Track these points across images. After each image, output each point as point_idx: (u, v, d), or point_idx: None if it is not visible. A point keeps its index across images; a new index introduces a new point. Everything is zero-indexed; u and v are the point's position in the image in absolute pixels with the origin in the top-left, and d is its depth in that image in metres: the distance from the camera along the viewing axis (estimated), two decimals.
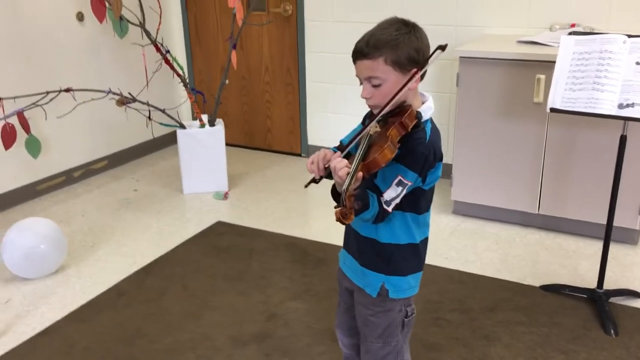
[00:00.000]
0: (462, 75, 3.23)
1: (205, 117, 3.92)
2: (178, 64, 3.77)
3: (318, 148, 4.70)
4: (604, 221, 3.00)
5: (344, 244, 1.77)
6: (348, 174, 1.39)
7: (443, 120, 3.92)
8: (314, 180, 1.55)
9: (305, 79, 4.42)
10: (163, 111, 3.79)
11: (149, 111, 3.72)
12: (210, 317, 2.59)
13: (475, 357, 2.29)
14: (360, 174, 1.40)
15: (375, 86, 1.51)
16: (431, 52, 1.52)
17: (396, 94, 1.49)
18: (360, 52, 1.51)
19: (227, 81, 3.92)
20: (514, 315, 2.54)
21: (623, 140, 2.42)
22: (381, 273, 1.63)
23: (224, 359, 2.32)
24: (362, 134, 1.52)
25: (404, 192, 1.50)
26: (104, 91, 3.53)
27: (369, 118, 1.65)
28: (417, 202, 1.59)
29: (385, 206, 1.50)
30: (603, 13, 3.38)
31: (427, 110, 1.59)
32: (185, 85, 3.82)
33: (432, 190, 1.64)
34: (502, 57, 3.12)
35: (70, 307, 2.68)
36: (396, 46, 1.47)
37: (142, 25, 3.60)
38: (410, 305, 1.71)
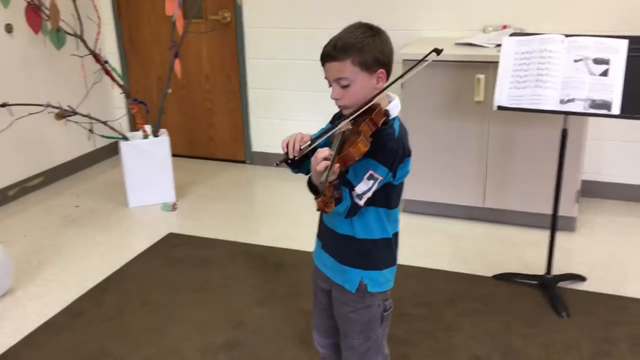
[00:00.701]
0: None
1: (148, 128, 3.84)
2: (118, 74, 3.68)
3: (263, 155, 4.74)
4: (545, 211, 3.20)
5: (320, 245, 1.79)
6: (326, 167, 1.43)
7: None
8: (287, 160, 1.59)
9: (247, 86, 4.42)
10: (105, 123, 3.69)
11: (91, 124, 3.61)
12: (176, 330, 2.55)
13: (443, 347, 2.37)
14: (337, 165, 1.45)
15: (344, 87, 1.56)
16: (427, 53, 1.58)
17: (380, 92, 1.55)
18: (329, 55, 1.55)
19: (169, 90, 3.87)
20: (473, 305, 2.65)
21: (565, 133, 2.58)
22: (359, 268, 1.68)
23: None
24: (334, 131, 1.57)
25: (375, 186, 1.56)
26: (42, 105, 3.40)
27: (337, 118, 1.70)
28: (388, 198, 1.65)
29: (357, 200, 1.55)
30: (532, 15, 3.57)
31: (394, 109, 1.65)
32: (127, 95, 3.73)
33: (401, 185, 1.70)
34: (443, 59, 3.22)
35: (24, 331, 2.57)
36: (362, 48, 1.53)
37: (80, 35, 3.50)
38: (387, 299, 1.76)
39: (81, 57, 3.52)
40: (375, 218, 1.65)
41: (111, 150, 4.59)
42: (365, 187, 1.54)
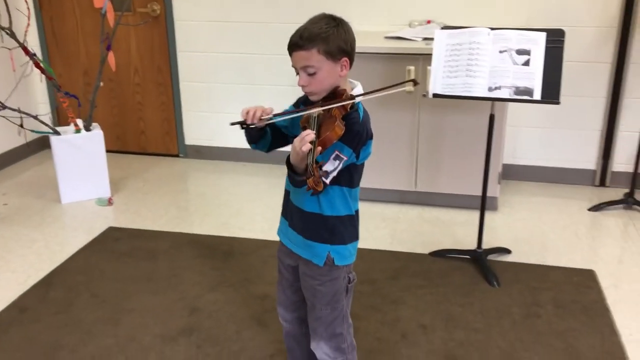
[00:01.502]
0: None
1: (80, 122, 3.77)
2: (48, 67, 3.60)
3: (197, 148, 4.74)
4: (471, 192, 3.46)
5: (287, 223, 1.88)
6: (310, 149, 1.53)
7: None
8: (242, 124, 1.71)
9: (179, 79, 4.42)
10: (35, 117, 3.59)
11: (21, 118, 3.51)
12: (130, 319, 2.57)
13: (391, 319, 2.55)
14: (319, 148, 1.56)
15: (310, 74, 1.67)
16: (403, 81, 1.72)
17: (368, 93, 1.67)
18: (296, 45, 1.66)
19: (101, 83, 3.82)
20: (413, 280, 2.84)
21: (492, 118, 2.82)
22: (326, 243, 1.79)
23: (156, 356, 2.34)
24: (302, 113, 1.68)
25: (340, 166, 1.67)
26: None
27: (303, 103, 1.81)
28: (351, 177, 1.78)
29: (323, 178, 1.67)
30: (453, 11, 3.82)
31: (357, 93, 1.78)
32: (58, 89, 3.65)
33: (363, 165, 1.84)
34: (376, 52, 3.42)
35: None
36: (327, 38, 1.64)
37: (9, 28, 3.39)
38: (351, 272, 1.89)
39: (10, 49, 3.40)
40: (340, 196, 1.77)
41: (39, 146, 4.45)
42: (331, 167, 1.65)
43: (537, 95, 2.61)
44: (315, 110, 1.66)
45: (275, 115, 1.70)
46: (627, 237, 3.29)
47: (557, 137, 3.95)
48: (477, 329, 2.48)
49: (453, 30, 2.75)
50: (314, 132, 1.59)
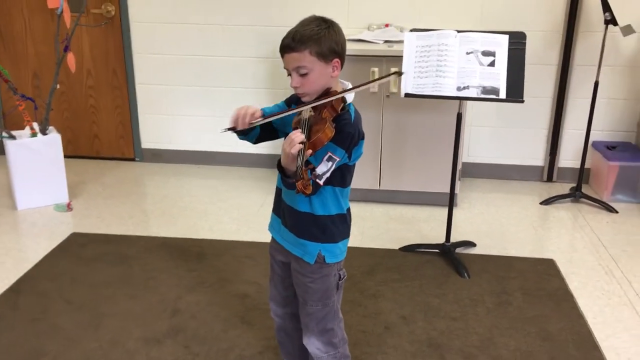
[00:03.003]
0: None
1: (36, 126, 3.65)
2: (3, 70, 3.47)
3: (154, 152, 4.67)
4: (433, 189, 3.60)
5: (280, 221, 1.91)
6: (300, 150, 1.57)
7: None
8: (234, 129, 1.73)
9: (135, 82, 4.35)
10: None
11: None
12: (110, 324, 2.52)
13: (372, 312, 2.62)
14: (309, 151, 1.60)
15: (302, 75, 1.70)
16: (388, 74, 1.75)
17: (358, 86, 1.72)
18: (288, 47, 1.70)
19: (57, 86, 3.71)
20: (389, 274, 2.93)
21: (459, 117, 2.95)
22: (317, 242, 1.83)
23: (143, 358, 2.31)
24: (289, 113, 1.71)
25: (333, 167, 1.71)
26: None
27: (295, 103, 1.83)
28: (344, 177, 1.83)
29: (317, 180, 1.71)
30: (409, 15, 3.97)
31: (349, 95, 1.83)
32: (14, 91, 3.52)
33: (354, 166, 1.89)
34: None
35: None
36: (319, 40, 1.68)
37: None
38: (341, 269, 1.94)
39: None
40: (332, 196, 1.81)
41: None
42: (325, 168, 1.68)
43: (502, 95, 2.76)
44: (305, 108, 1.68)
45: (266, 117, 1.72)
46: (578, 227, 3.51)
47: (508, 135, 4.16)
48: (455, 318, 2.59)
49: (422, 32, 2.86)
50: (304, 134, 1.61)
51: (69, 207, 3.66)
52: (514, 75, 2.77)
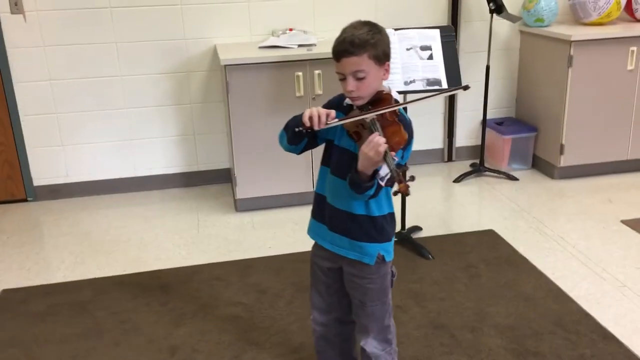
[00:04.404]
0: (231, 82, 3.47)
1: None
2: None
3: (50, 188, 4.27)
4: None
5: (327, 227, 1.90)
6: (385, 151, 1.60)
7: (217, 129, 4.09)
8: (311, 129, 1.69)
9: (19, 114, 3.90)
10: None
11: None
12: None
13: None
14: (393, 152, 1.63)
15: (359, 79, 1.73)
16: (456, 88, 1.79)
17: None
18: (347, 51, 1.71)
19: None
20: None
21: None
22: (376, 242, 1.87)
23: None
24: (360, 118, 1.69)
25: None
26: None
27: (336, 107, 1.79)
28: (392, 177, 1.87)
29: (380, 182, 1.75)
30: (310, 18, 4.05)
31: (397, 97, 1.86)
32: None
33: None
34: (263, 62, 3.49)
35: None
36: (375, 44, 1.73)
37: None
38: (392, 265, 1.99)
39: None
40: (385, 196, 1.85)
41: None
42: (387, 170, 1.69)
43: (445, 84, 2.96)
44: (372, 115, 1.69)
45: (340, 120, 1.71)
46: (495, 198, 3.88)
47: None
48: (442, 298, 2.75)
49: None
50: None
51: None
52: (450, 66, 2.99)
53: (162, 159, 4.15)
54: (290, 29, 4.00)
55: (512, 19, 3.93)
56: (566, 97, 3.92)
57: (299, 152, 1.89)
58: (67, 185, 4.08)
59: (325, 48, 3.59)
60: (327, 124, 1.70)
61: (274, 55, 3.50)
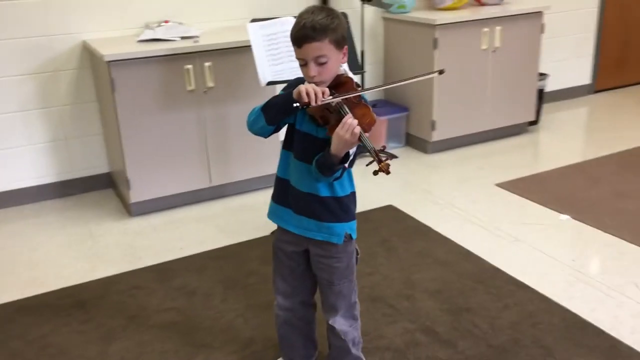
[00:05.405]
0: (117, 79, 3.25)
1: None
2: None
3: None
4: (262, 174, 3.73)
5: (292, 211, 1.90)
6: (360, 133, 1.65)
7: (91, 131, 3.82)
8: (307, 105, 1.68)
9: None
10: None
11: None
12: None
13: None
14: (366, 133, 1.68)
15: (320, 64, 1.75)
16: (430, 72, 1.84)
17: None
18: (308, 36, 1.72)
19: None
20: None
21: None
22: (343, 222, 1.91)
23: None
24: (339, 99, 1.71)
25: (355, 149, 1.79)
26: None
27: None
28: (354, 158, 1.91)
29: (345, 163, 1.80)
30: (185, 10, 3.91)
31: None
32: None
33: None
34: (151, 55, 3.31)
35: None
36: (335, 28, 1.75)
37: None
38: (355, 244, 2.04)
39: None
40: (347, 177, 1.91)
41: None
42: (352, 150, 1.77)
43: (348, 69, 3.05)
44: (337, 98, 1.72)
45: (334, 97, 1.70)
46: (382, 175, 4.08)
47: None
48: (370, 273, 2.86)
49: (263, 22, 2.96)
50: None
51: None
52: (350, 51, 3.09)
53: (32, 169, 3.77)
54: (166, 21, 3.84)
55: (384, 5, 4.15)
56: None
57: (268, 135, 1.86)
58: None
59: (211, 39, 3.51)
60: (322, 100, 1.69)
61: (161, 49, 3.34)
